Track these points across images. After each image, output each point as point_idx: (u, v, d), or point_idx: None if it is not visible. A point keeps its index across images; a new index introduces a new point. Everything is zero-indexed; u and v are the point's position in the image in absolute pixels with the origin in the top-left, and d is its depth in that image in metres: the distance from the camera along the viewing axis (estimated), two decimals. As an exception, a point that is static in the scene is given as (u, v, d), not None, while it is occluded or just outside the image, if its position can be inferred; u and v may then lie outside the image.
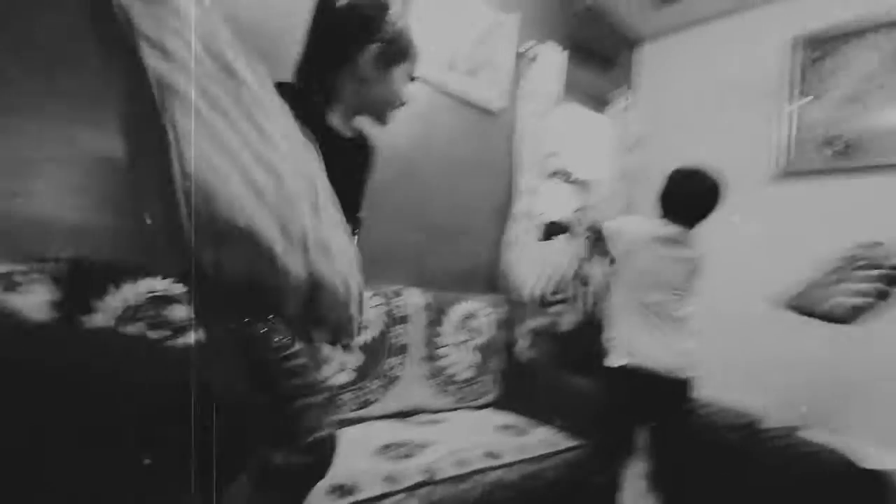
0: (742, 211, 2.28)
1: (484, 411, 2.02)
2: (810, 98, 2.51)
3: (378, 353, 1.79)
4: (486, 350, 2.13)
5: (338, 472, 1.22)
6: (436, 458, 1.42)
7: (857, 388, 2.22)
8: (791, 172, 2.53)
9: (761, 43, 2.72)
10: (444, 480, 1.32)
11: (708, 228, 1.72)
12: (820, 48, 2.51)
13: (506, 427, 1.80)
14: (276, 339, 0.78)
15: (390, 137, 2.06)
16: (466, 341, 2.07)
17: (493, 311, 2.20)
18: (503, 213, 2.52)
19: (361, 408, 1.70)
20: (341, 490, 1.17)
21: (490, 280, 2.46)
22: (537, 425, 1.83)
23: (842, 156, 2.38)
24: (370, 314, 1.76)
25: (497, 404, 2.08)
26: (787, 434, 2.12)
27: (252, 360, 0.79)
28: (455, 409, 1.96)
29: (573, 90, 2.96)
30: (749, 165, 2.66)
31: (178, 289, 1.31)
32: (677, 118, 3.06)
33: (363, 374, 1.73)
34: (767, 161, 2.62)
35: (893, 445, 1.93)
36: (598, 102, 3.10)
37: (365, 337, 1.75)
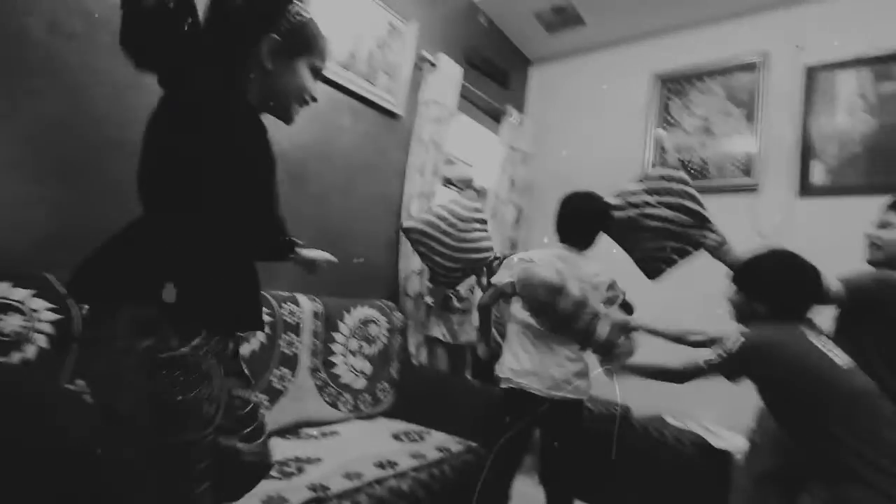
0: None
1: (379, 420, 1.96)
2: (669, 127, 2.88)
3: (263, 364, 1.64)
4: (380, 357, 2.07)
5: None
6: (325, 473, 1.33)
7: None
8: (655, 190, 2.87)
9: (631, 76, 3.07)
10: (334, 496, 1.24)
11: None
12: (674, 85, 2.90)
13: (401, 435, 1.75)
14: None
15: (287, 136, 1.94)
16: (361, 349, 2.00)
17: (389, 318, 2.16)
18: (395, 214, 2.50)
19: (242, 425, 1.54)
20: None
21: (385, 285, 2.42)
22: (432, 431, 1.81)
23: (695, 177, 2.76)
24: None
25: (392, 412, 2.03)
26: (652, 422, 2.37)
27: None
28: (348, 420, 1.87)
29: (469, 103, 3.06)
30: (621, 182, 2.97)
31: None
32: (562, 137, 3.32)
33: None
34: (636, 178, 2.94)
35: (734, 428, 2.25)
36: (492, 116, 3.25)
37: (248, 347, 1.59)
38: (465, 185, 4.84)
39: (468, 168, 4.46)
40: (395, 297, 2.42)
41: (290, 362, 1.73)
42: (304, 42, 0.91)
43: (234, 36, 0.84)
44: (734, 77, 2.70)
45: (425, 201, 2.55)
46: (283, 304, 1.75)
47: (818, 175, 2.40)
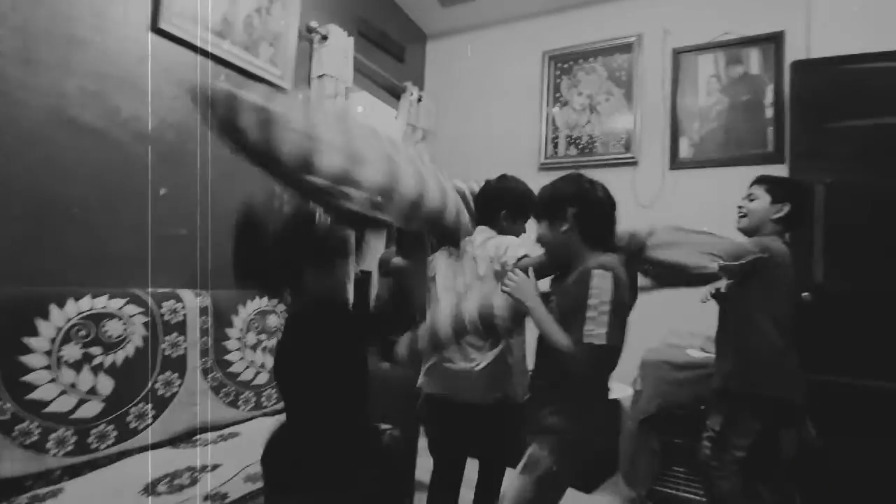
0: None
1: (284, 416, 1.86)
2: (560, 105, 3.03)
3: (141, 371, 1.47)
4: (284, 349, 1.96)
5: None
6: (224, 481, 1.24)
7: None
8: (548, 166, 3.02)
9: (524, 54, 3.15)
10: (233, 503, 1.16)
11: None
12: (563, 64, 3.04)
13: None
14: None
15: (156, 114, 1.72)
16: (260, 342, 1.88)
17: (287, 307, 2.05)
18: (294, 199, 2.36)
19: (120, 441, 1.38)
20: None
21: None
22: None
23: (583, 153, 2.94)
24: (117, 326, 1.43)
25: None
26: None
27: None
28: (251, 420, 1.76)
29: (365, 78, 2.95)
30: (518, 158, 3.08)
31: None
32: (461, 115, 3.35)
33: (119, 400, 1.40)
34: (532, 155, 3.07)
35: (622, 379, 2.49)
36: (391, 93, 3.17)
37: (121, 354, 1.42)
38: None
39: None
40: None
41: (176, 365, 1.57)
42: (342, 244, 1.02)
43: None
44: (614, 58, 2.90)
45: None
46: (163, 303, 1.58)
47: (685, 150, 2.68)
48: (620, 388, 2.48)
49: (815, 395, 1.81)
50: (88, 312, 1.37)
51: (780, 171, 2.34)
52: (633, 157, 2.77)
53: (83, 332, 1.35)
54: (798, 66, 2.22)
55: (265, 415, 1.83)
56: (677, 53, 2.71)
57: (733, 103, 2.57)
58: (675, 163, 2.67)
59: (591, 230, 1.19)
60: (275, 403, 1.87)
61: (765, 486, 1.68)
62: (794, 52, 2.40)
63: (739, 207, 1.67)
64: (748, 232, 1.64)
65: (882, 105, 2.03)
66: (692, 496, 2.02)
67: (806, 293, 2.02)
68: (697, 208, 2.55)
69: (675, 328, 2.44)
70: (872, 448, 1.91)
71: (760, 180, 1.67)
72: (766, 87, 2.50)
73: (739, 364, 1.58)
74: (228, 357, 1.76)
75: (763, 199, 1.61)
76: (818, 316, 1.99)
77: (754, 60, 2.54)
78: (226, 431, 1.64)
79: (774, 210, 1.59)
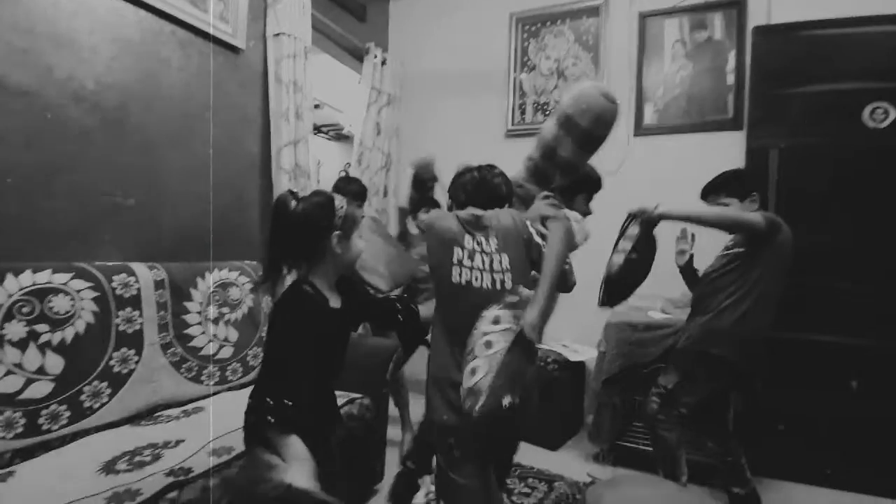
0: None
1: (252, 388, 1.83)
2: (528, 69, 2.98)
3: (93, 348, 1.40)
4: (247, 322, 1.91)
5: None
6: (187, 455, 1.22)
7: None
8: (515, 132, 2.99)
9: (490, 15, 3.06)
10: (198, 477, 1.14)
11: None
12: (530, 26, 2.97)
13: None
14: None
15: (93, 74, 1.58)
16: (222, 316, 1.82)
17: (253, 279, 1.99)
18: (259, 167, 2.26)
19: (75, 421, 1.32)
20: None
21: (246, 244, 2.21)
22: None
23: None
24: (63, 302, 1.35)
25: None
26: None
27: None
28: (216, 395, 1.73)
29: (326, 38, 2.81)
30: (486, 125, 3.04)
31: None
32: (425, 78, 3.25)
33: (71, 379, 1.33)
34: (500, 122, 3.03)
35: (587, 343, 2.57)
36: (354, 55, 3.04)
37: (70, 331, 1.34)
38: (334, 132, 4.55)
39: (337, 114, 4.18)
40: (260, 256, 2.23)
41: (132, 341, 1.50)
42: (355, 221, 1.13)
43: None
44: (581, 21, 2.85)
45: (302, 151, 2.33)
46: (114, 276, 1.49)
47: (649, 116, 2.70)
48: (585, 350, 2.56)
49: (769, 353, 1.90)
50: (31, 288, 1.28)
51: (738, 137, 2.40)
52: (599, 124, 2.77)
53: (26, 309, 1.26)
54: (759, 31, 2.25)
55: (231, 389, 1.79)
56: (643, 17, 2.69)
57: (697, 69, 2.59)
58: (640, 129, 2.69)
59: None
60: (241, 377, 1.84)
61: (710, 438, 1.79)
62: (756, 17, 2.42)
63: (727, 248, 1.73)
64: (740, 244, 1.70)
65: (837, 70, 2.08)
66: (651, 449, 2.13)
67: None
68: (660, 174, 2.60)
69: (640, 292, 2.51)
70: (817, 399, 2.05)
71: (716, 191, 1.72)
72: (729, 53, 2.52)
73: (713, 328, 1.65)
74: (189, 331, 1.71)
75: (734, 205, 1.67)
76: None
77: (718, 25, 2.55)
78: (189, 407, 1.60)
79: (748, 206, 1.67)
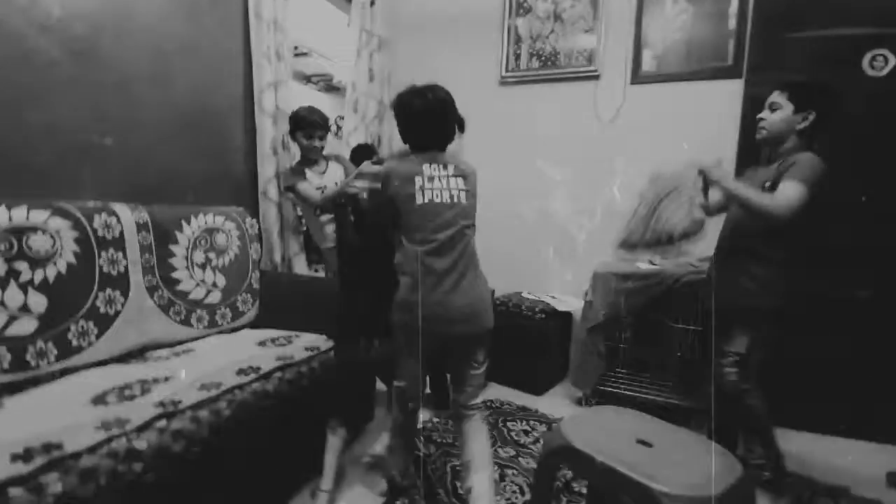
0: (475, 113, 2.51)
1: (242, 332, 1.85)
2: (524, 12, 2.85)
3: (77, 288, 1.39)
4: (235, 268, 1.90)
5: (26, 434, 0.95)
6: (177, 390, 1.23)
7: (548, 260, 2.88)
8: (509, 79, 2.90)
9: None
10: (187, 408, 1.16)
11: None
12: (529, -36, 2.82)
13: (267, 342, 1.69)
14: None
15: (63, 4, 1.49)
16: (209, 261, 1.81)
17: (240, 225, 1.96)
18: (242, 109, 2.18)
19: (63, 358, 1.33)
20: (28, 454, 0.90)
21: (233, 190, 2.17)
22: (301, 334, 1.77)
23: (545, 65, 2.83)
24: (43, 240, 1.32)
25: (258, 323, 1.93)
26: (512, 297, 2.64)
27: None
28: (204, 337, 1.74)
29: (311, -26, 2.65)
30: (480, 71, 2.94)
31: None
32: (416, 20, 3.11)
33: (56, 317, 1.33)
34: (493, 68, 2.93)
35: (574, 294, 2.60)
36: (341, -5, 2.88)
37: (52, 270, 1.33)
38: (324, 83, 4.38)
39: (327, 64, 4.01)
40: (246, 202, 2.20)
41: (118, 282, 1.50)
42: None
43: None
44: (581, -41, 2.70)
45: (283, 93, 2.25)
46: (95, 216, 1.46)
47: (647, 62, 2.61)
48: (572, 301, 2.60)
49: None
50: (7, 226, 1.26)
51: (737, 85, 2.34)
52: (595, 71, 2.69)
53: (3, 247, 1.24)
54: (764, -29, 2.14)
55: (221, 332, 1.81)
56: (646, -45, 2.55)
57: (698, 13, 2.49)
58: (638, 76, 2.61)
59: None
60: (231, 321, 1.85)
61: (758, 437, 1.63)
62: (762, -44, 2.30)
63: (759, 119, 1.53)
64: (769, 144, 1.53)
65: (838, 14, 2.01)
66: (630, 393, 2.21)
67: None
68: (657, 123, 2.55)
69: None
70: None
71: (783, 87, 1.50)
72: (732, -5, 2.41)
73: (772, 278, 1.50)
74: (175, 275, 1.70)
75: (786, 108, 1.47)
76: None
77: (722, -34, 2.43)
78: (179, 348, 1.62)
79: (798, 120, 1.46)
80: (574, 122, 2.74)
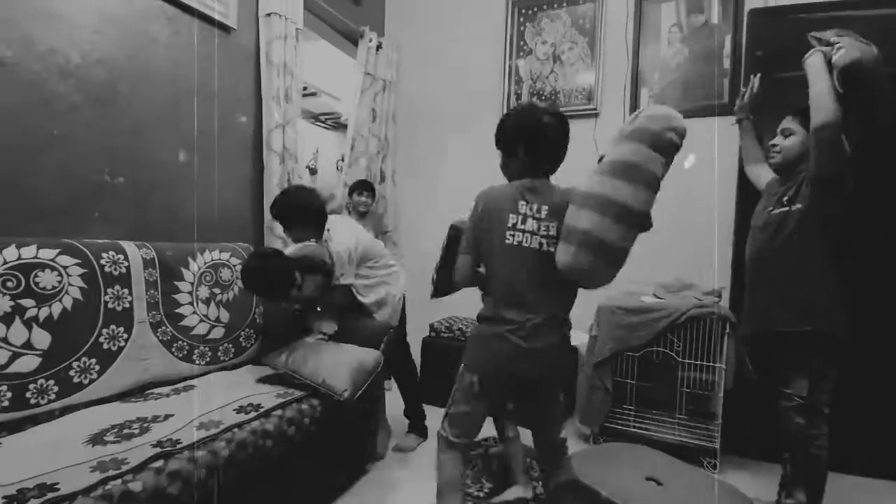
0: (478, 150, 2.55)
1: (244, 369, 1.84)
2: (524, 54, 2.95)
3: (81, 324, 1.40)
4: (239, 303, 1.91)
5: (21, 474, 0.93)
6: (176, 429, 1.22)
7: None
8: (512, 117, 2.97)
9: (487, 0, 3.03)
10: (183, 449, 1.14)
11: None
12: (527, 10, 2.95)
13: (268, 378, 1.67)
14: None
15: (80, 48, 1.56)
16: (213, 296, 1.82)
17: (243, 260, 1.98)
18: (251, 149, 2.25)
19: (63, 396, 1.32)
20: (22, 495, 0.89)
21: (239, 228, 2.20)
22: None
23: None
24: (50, 277, 1.34)
25: (260, 359, 1.92)
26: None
27: None
28: (205, 374, 1.73)
29: (320, 20, 2.78)
30: (481, 110, 3.02)
31: None
32: (421, 63, 3.22)
33: (59, 354, 1.33)
34: (495, 107, 3.01)
35: (580, 328, 2.57)
36: (349, 38, 3.01)
37: (57, 307, 1.34)
38: (331, 121, 4.51)
39: (335, 102, 4.14)
40: (252, 237, 2.23)
41: (121, 318, 1.50)
42: None
43: None
44: (578, 6, 2.82)
45: (290, 134, 2.32)
46: (103, 254, 1.49)
47: (645, 101, 2.68)
48: (577, 335, 2.57)
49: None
50: (15, 263, 1.28)
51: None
52: (594, 109, 2.76)
53: (11, 284, 1.26)
54: (755, 14, 2.23)
55: (223, 368, 1.80)
56: (640, 1, 2.66)
57: (693, 53, 2.57)
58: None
59: None
60: (233, 357, 1.84)
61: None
62: (753, 0, 2.41)
63: (773, 145, 1.57)
64: (783, 169, 1.57)
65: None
66: (640, 431, 2.15)
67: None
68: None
69: (633, 276, 2.52)
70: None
71: (795, 113, 1.54)
72: (726, 37, 2.50)
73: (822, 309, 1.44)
74: (180, 311, 1.71)
75: (799, 133, 1.51)
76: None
77: (715, 9, 2.53)
78: (180, 385, 1.60)
79: (804, 143, 1.48)
80: (575, 158, 2.77)
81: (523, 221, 1.20)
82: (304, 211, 1.89)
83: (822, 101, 1.35)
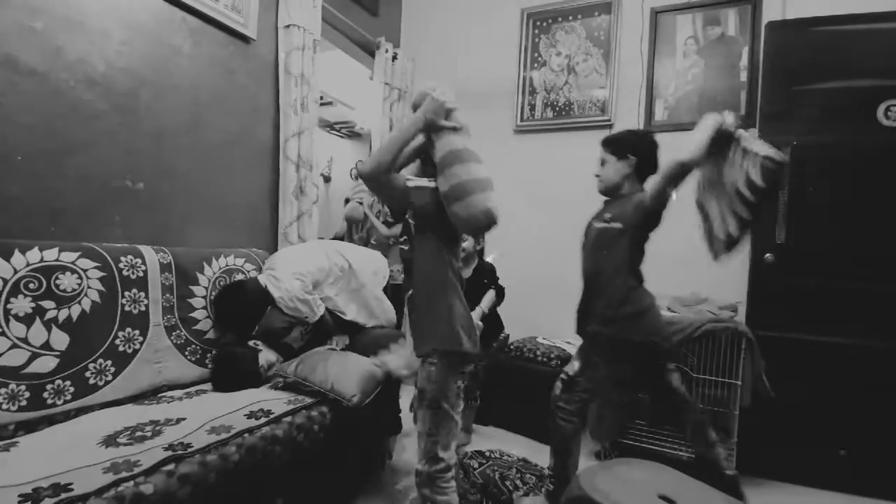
0: (491, 160, 2.56)
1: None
2: (538, 66, 2.97)
3: (99, 326, 1.42)
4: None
5: (37, 474, 0.95)
6: (187, 432, 1.23)
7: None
8: (524, 129, 2.98)
9: (503, 10, 3.06)
10: (196, 452, 1.15)
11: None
12: (541, 22, 2.97)
13: (281, 383, 1.68)
14: None
15: (104, 57, 1.61)
16: (227, 301, 1.84)
17: (259, 266, 2.00)
18: (269, 157, 2.28)
19: (79, 397, 1.35)
20: (37, 494, 0.90)
21: (255, 233, 2.23)
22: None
23: (560, 115, 2.91)
24: (70, 280, 1.37)
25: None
26: (526, 342, 2.59)
27: None
28: (217, 378, 1.74)
29: (337, 31, 2.83)
30: (495, 121, 3.04)
31: None
32: (436, 73, 3.25)
33: (76, 355, 1.36)
34: (509, 118, 3.02)
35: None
36: (366, 50, 3.06)
37: (76, 309, 1.37)
38: (347, 130, 4.57)
39: (350, 111, 4.21)
40: (266, 243, 2.26)
41: (137, 321, 1.53)
42: None
43: None
44: (593, 17, 2.84)
45: (306, 142, 2.35)
46: (121, 258, 1.52)
47: (659, 112, 2.67)
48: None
49: (772, 350, 1.88)
50: (38, 265, 1.31)
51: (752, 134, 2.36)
52: (608, 120, 2.75)
53: (33, 285, 1.29)
54: (772, 27, 2.21)
55: (235, 373, 1.81)
56: (656, 13, 2.67)
57: (709, 65, 2.56)
58: (650, 125, 2.67)
59: None
60: (244, 362, 1.85)
61: (688, 435, 1.68)
62: (770, 13, 2.39)
63: (596, 175, 1.69)
64: (609, 193, 1.67)
65: (851, 67, 2.04)
66: (652, 447, 2.11)
67: (768, 254, 2.07)
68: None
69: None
70: (822, 403, 2.01)
71: (602, 143, 1.68)
72: (742, 49, 2.49)
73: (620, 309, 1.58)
74: (194, 315, 1.73)
75: (610, 160, 1.65)
76: (778, 275, 2.06)
77: (731, 21, 2.52)
78: (192, 389, 1.62)
79: (623, 166, 1.62)
80: (589, 170, 2.77)
81: None
82: (235, 317, 1.81)
83: (695, 146, 1.46)
